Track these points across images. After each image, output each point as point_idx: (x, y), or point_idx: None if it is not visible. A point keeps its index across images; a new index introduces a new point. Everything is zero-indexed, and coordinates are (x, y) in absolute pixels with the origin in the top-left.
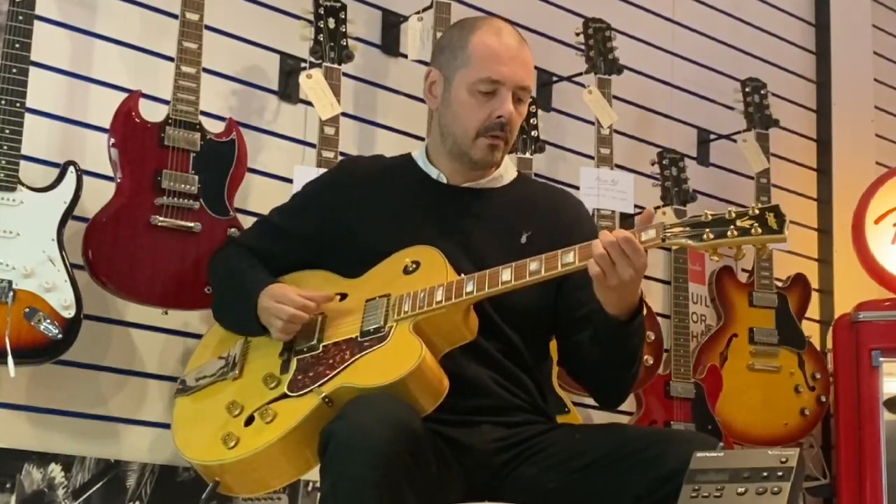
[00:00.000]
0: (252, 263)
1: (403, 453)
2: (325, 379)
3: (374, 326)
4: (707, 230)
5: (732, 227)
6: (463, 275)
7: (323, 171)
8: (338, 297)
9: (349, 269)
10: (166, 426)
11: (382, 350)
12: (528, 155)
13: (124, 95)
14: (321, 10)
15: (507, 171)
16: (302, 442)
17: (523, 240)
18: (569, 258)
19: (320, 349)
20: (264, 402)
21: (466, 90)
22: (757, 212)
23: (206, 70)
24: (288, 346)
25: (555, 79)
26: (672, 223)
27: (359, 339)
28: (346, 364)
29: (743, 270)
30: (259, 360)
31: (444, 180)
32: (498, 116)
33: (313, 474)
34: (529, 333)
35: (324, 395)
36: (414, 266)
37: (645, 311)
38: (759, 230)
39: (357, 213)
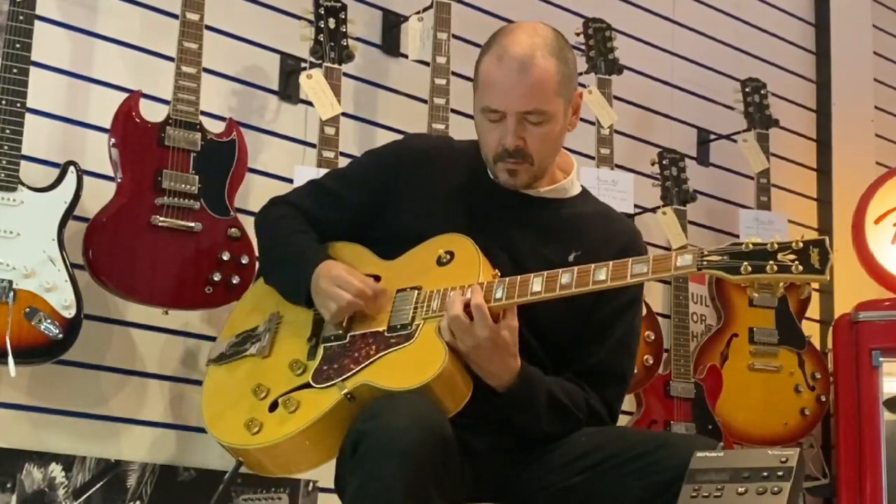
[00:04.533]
0: (307, 230)
1: (434, 457)
2: (349, 374)
3: (401, 322)
4: (745, 262)
5: (772, 261)
6: (497, 270)
7: (323, 170)
8: (370, 280)
9: (388, 247)
10: (166, 426)
11: (407, 350)
12: None
13: (124, 95)
14: (321, 10)
15: (572, 184)
16: (324, 433)
17: (571, 258)
18: (601, 275)
19: (347, 339)
20: (289, 388)
21: (479, 114)
22: (801, 245)
23: (206, 70)
24: (317, 331)
25: None
26: (710, 250)
27: (385, 333)
28: (370, 360)
29: None
30: (288, 340)
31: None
32: (503, 146)
33: (314, 474)
34: (552, 346)
35: (346, 391)
36: (448, 257)
37: (521, 389)
38: (801, 268)
39: (411, 192)
